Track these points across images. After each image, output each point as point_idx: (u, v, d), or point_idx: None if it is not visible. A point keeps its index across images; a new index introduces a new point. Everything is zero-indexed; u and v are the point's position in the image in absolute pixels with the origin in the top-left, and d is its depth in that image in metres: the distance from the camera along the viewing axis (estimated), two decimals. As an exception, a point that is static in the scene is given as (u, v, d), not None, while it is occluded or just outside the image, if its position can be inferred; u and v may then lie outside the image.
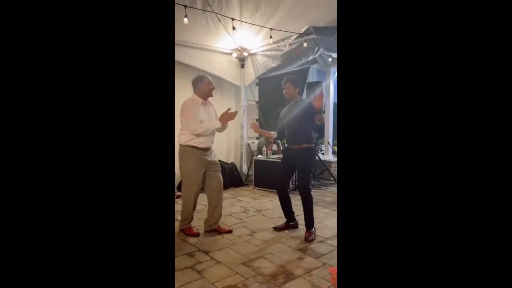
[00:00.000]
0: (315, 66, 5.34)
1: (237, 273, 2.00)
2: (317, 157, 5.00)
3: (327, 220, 3.12)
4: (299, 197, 2.65)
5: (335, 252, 2.33)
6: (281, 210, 2.87)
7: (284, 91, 2.73)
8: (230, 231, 2.74)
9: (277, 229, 2.80)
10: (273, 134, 2.79)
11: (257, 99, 5.54)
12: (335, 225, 2.94)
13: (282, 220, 2.92)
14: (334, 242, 2.53)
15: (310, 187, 2.72)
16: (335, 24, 3.44)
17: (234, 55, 4.71)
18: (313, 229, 2.66)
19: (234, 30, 3.64)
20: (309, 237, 2.60)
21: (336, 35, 3.47)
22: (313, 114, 2.53)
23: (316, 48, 3.97)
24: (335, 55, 4.60)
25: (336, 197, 4.12)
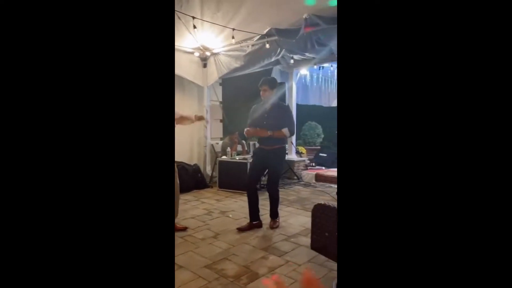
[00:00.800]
0: (278, 67, 5.44)
1: (200, 276, 1.96)
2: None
3: (291, 219, 3.18)
4: (265, 196, 2.69)
5: (298, 250, 2.38)
6: (246, 210, 2.88)
7: (261, 93, 2.80)
8: (185, 229, 2.80)
9: (241, 229, 2.80)
10: (270, 132, 2.77)
11: (220, 99, 5.50)
12: (298, 223, 3.01)
13: (246, 221, 2.92)
14: (298, 240, 2.58)
15: (278, 186, 2.88)
16: (297, 26, 3.52)
17: (196, 54, 4.63)
18: (277, 218, 2.92)
19: (195, 29, 3.58)
20: (274, 224, 2.85)
21: (297, 37, 3.55)
22: (289, 117, 2.75)
23: (279, 50, 4.04)
24: (297, 56, 4.71)
25: (299, 195, 4.22)
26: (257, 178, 2.92)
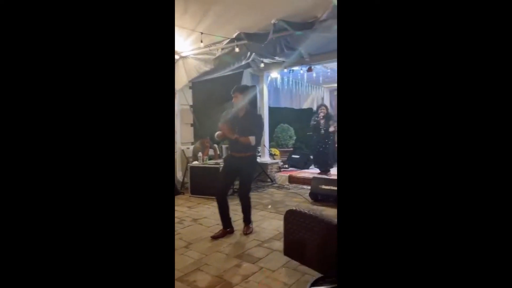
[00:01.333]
0: (249, 70, 5.42)
1: (171, 290, 1.89)
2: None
3: (264, 223, 3.17)
4: (237, 202, 2.66)
5: (272, 255, 2.38)
6: (218, 217, 2.84)
7: (233, 99, 2.79)
8: None
9: (214, 237, 2.75)
10: (236, 135, 2.77)
11: (191, 103, 5.40)
12: (272, 227, 3.01)
13: (219, 227, 2.88)
14: (271, 245, 2.58)
15: (249, 194, 2.88)
16: (266, 30, 3.54)
17: (165, 57, 4.50)
18: (250, 224, 2.91)
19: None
20: (247, 231, 2.84)
21: (266, 41, 3.57)
22: (259, 127, 2.77)
23: (248, 54, 4.04)
24: (267, 60, 4.73)
25: (272, 198, 4.23)
26: (227, 185, 2.89)
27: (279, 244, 2.50)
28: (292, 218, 1.96)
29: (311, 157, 5.64)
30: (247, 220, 2.90)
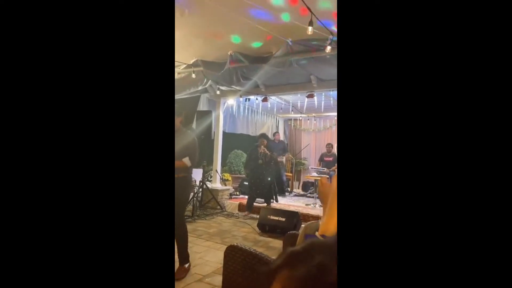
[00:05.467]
0: (206, 95, 5.44)
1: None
2: (205, 185, 4.99)
3: (208, 255, 3.05)
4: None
5: (212, 292, 2.28)
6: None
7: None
8: None
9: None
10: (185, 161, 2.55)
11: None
12: (216, 260, 2.91)
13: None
14: (213, 280, 2.47)
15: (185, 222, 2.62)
16: (223, 60, 3.61)
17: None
18: (186, 264, 2.55)
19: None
20: (181, 274, 2.46)
21: (223, 70, 3.64)
22: (193, 147, 2.53)
23: (205, 80, 4.07)
24: (224, 87, 4.79)
25: (220, 228, 4.13)
26: None
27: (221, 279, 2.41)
28: (233, 255, 1.91)
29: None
30: (182, 258, 2.50)
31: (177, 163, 2.47)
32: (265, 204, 4.88)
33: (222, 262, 2.86)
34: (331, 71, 3.76)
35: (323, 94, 5.02)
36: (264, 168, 4.84)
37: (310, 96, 4.60)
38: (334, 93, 4.76)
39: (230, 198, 5.53)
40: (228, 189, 5.62)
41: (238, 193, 5.88)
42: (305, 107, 5.76)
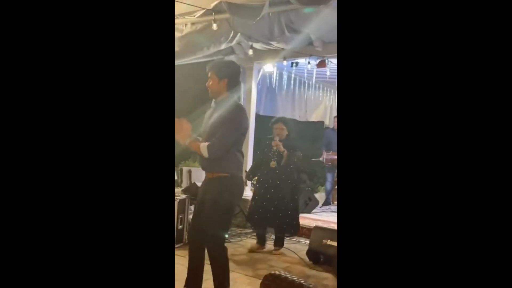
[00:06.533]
0: (232, 57, 5.46)
1: None
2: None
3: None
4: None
5: None
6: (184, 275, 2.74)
7: (207, 83, 2.60)
8: None
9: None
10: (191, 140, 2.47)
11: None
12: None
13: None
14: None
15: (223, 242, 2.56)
16: (260, 1, 3.59)
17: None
18: None
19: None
20: None
21: (259, 17, 3.61)
22: (226, 126, 2.46)
23: (232, 34, 4.08)
24: (259, 45, 4.76)
25: (251, 254, 4.16)
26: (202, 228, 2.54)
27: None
28: (274, 287, 1.91)
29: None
30: None
31: (193, 145, 2.44)
32: (276, 246, 4.30)
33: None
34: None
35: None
36: (278, 175, 4.21)
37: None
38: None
39: (266, 212, 5.54)
40: (263, 200, 5.63)
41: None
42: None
